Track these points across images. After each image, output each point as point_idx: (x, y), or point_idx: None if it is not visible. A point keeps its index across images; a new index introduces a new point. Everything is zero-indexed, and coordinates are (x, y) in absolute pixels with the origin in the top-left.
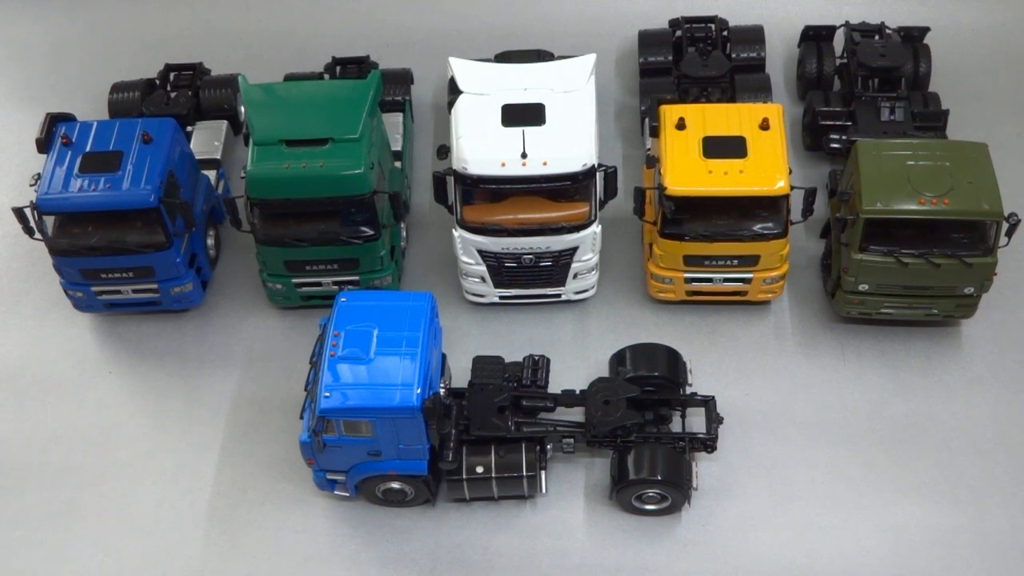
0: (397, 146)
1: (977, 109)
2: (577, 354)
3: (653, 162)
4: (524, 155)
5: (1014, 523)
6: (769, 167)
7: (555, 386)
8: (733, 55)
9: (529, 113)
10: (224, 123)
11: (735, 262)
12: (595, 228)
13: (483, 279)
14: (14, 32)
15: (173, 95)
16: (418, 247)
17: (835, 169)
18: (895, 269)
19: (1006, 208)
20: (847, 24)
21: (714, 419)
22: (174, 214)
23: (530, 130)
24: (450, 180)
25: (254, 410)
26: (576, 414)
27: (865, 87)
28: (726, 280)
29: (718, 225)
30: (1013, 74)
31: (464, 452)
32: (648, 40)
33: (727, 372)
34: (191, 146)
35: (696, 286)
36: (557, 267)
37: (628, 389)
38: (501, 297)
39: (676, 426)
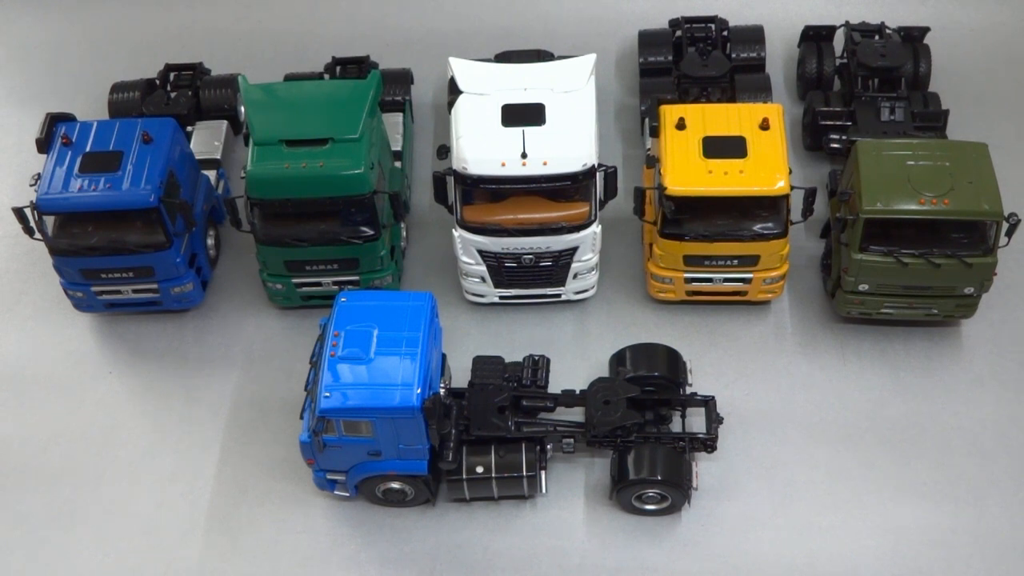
0: (397, 146)
1: (977, 109)
2: (577, 354)
3: (653, 162)
4: (524, 155)
5: (1014, 523)
6: (769, 167)
7: (555, 386)
8: (733, 55)
9: (529, 113)
10: (224, 123)
11: (735, 262)
12: (595, 228)
13: (483, 279)
14: (14, 32)
15: (173, 95)
16: (418, 247)
17: (835, 169)
18: (895, 269)
19: (1006, 208)
20: (847, 24)
21: (714, 419)
22: (174, 214)
23: (530, 130)
24: (450, 180)
25: (254, 410)
26: (576, 414)
27: (865, 87)
28: (726, 280)
29: (718, 225)
30: (1013, 74)
31: (464, 452)
32: (648, 40)
33: (727, 372)
34: (191, 146)
35: (696, 286)
36: (557, 267)
37: (628, 389)
38: (501, 297)
39: (676, 426)
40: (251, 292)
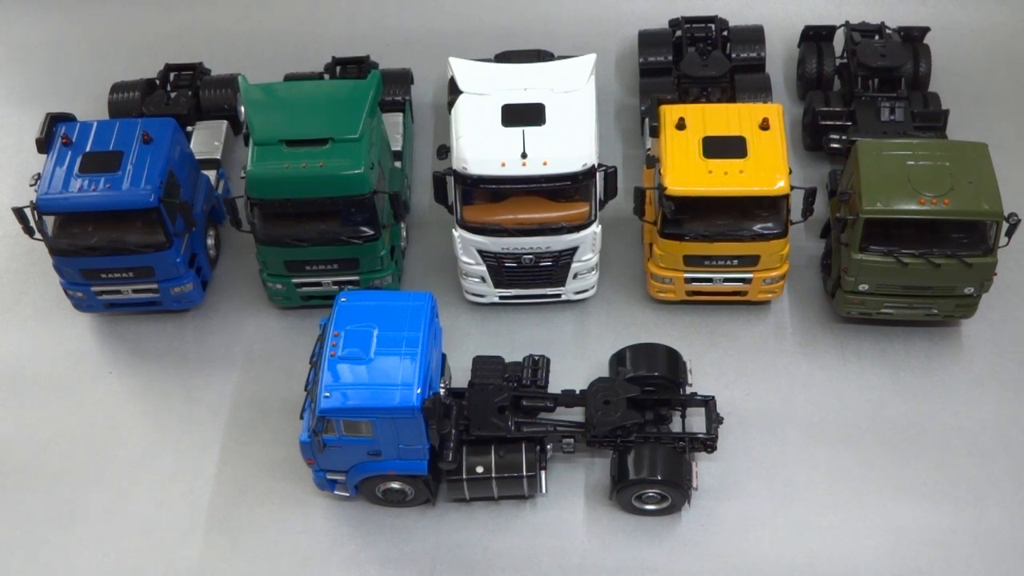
0: (397, 146)
1: (977, 109)
2: (577, 354)
3: (653, 162)
4: (524, 155)
5: (1014, 523)
6: (769, 167)
7: (555, 386)
8: (733, 55)
9: (529, 113)
10: (224, 123)
11: (735, 262)
12: (595, 228)
13: (483, 279)
14: (14, 32)
15: (173, 95)
16: (418, 247)
17: (835, 169)
18: (895, 269)
19: (1006, 208)
20: (847, 24)
21: (714, 419)
22: (174, 214)
23: (530, 130)
24: (450, 180)
25: (254, 410)
26: (576, 414)
27: (865, 87)
28: (726, 280)
29: (718, 225)
30: (1013, 74)
31: (464, 452)
32: (648, 40)
33: (727, 372)
34: (191, 146)
35: (696, 286)
36: (557, 267)
37: (628, 389)
38: (501, 297)
39: (676, 426)
40: (251, 292)
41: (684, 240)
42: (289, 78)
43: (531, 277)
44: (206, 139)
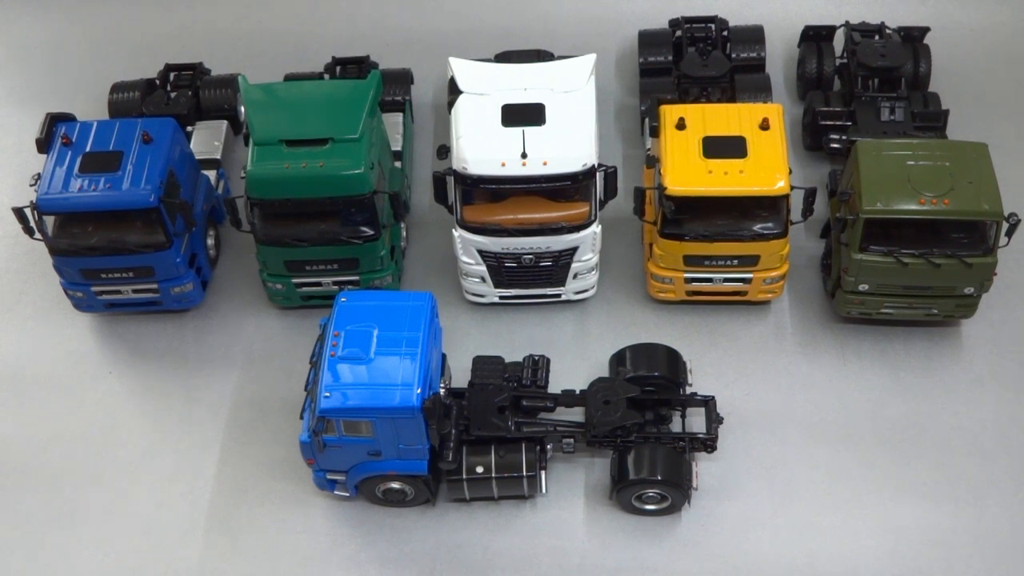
0: (397, 146)
1: (977, 109)
2: (577, 354)
3: (653, 162)
4: (524, 155)
5: (1014, 523)
6: (769, 167)
7: (555, 386)
8: (733, 55)
9: (529, 113)
10: (224, 123)
11: (735, 262)
12: (595, 228)
13: (483, 279)
14: (14, 32)
15: (173, 95)
16: (418, 247)
17: (835, 169)
18: (895, 269)
19: (1006, 208)
20: (847, 24)
21: (714, 419)
22: (174, 214)
23: (530, 130)
24: (450, 180)
25: (254, 410)
26: (576, 414)
27: (865, 87)
28: (726, 280)
29: (718, 225)
30: (1013, 74)
31: (464, 452)
32: (648, 40)
33: (727, 372)
34: (191, 146)
35: (696, 286)
36: (557, 267)
37: (628, 389)
38: (501, 297)
39: (676, 426)
40: (251, 292)
41: (684, 240)
42: (289, 78)
43: (531, 277)
44: (206, 139)
